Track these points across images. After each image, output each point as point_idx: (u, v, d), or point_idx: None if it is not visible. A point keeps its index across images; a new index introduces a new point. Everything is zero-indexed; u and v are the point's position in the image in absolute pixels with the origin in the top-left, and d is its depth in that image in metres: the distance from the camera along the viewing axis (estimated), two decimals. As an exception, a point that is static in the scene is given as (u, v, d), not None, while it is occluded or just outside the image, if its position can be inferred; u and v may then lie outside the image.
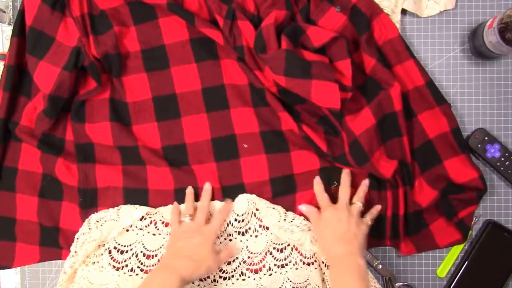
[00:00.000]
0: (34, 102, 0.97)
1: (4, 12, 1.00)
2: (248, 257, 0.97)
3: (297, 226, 0.95)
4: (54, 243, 0.99)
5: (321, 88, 0.88)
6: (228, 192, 0.97)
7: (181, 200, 0.97)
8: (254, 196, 0.97)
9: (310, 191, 0.97)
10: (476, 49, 0.97)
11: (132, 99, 0.98)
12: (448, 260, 1.00)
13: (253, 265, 0.97)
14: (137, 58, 0.97)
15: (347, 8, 0.94)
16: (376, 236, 0.98)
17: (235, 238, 0.97)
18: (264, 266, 0.97)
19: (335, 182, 0.97)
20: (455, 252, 0.99)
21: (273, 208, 0.96)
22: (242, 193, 0.97)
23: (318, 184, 0.96)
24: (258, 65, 0.93)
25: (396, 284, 1.00)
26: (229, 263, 0.97)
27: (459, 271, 0.98)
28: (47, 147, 0.97)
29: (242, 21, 0.92)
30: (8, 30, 1.01)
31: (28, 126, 0.98)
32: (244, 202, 0.97)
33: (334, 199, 0.96)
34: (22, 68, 0.98)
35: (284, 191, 0.97)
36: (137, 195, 0.98)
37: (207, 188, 0.97)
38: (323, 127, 0.96)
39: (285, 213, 0.96)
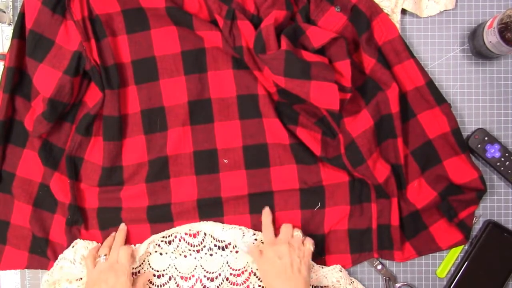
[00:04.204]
0: (34, 104, 0.97)
1: (4, 12, 1.00)
2: (231, 274, 0.97)
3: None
4: (42, 252, 0.99)
5: (320, 89, 0.88)
6: (203, 205, 0.97)
7: (154, 218, 0.97)
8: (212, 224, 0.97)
9: (289, 212, 0.97)
10: (476, 49, 0.97)
11: (123, 112, 0.97)
12: (448, 260, 1.00)
13: (236, 285, 0.97)
14: (128, 69, 0.97)
15: (347, 8, 0.94)
16: (358, 251, 0.98)
17: (216, 253, 0.97)
18: (248, 286, 0.97)
19: (319, 203, 0.97)
20: (455, 252, 0.99)
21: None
22: (219, 206, 0.97)
23: (266, 215, 0.95)
24: (257, 66, 0.93)
25: (396, 284, 1.00)
26: (212, 280, 0.97)
27: (459, 271, 0.98)
28: (46, 157, 0.96)
29: (242, 21, 0.92)
30: (8, 30, 1.01)
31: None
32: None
33: (315, 222, 0.97)
34: (22, 70, 0.98)
35: (262, 208, 0.97)
36: (111, 215, 0.98)
37: (121, 228, 0.97)
38: (322, 128, 0.96)
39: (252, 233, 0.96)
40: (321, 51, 0.93)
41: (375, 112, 0.93)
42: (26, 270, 1.02)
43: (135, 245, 0.98)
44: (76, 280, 0.95)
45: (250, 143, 0.97)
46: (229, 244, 0.96)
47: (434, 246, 0.97)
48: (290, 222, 0.97)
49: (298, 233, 0.93)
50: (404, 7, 0.97)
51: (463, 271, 0.97)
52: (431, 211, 0.97)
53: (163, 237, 0.97)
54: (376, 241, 0.97)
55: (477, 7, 0.99)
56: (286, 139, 0.95)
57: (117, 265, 0.92)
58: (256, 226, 0.97)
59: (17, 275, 1.03)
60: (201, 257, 0.97)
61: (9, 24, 1.01)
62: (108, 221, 0.98)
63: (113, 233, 0.98)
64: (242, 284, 0.97)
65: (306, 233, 0.97)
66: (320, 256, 0.98)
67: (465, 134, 0.99)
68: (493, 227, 0.97)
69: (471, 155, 0.97)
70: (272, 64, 0.89)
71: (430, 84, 0.95)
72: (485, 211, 1.00)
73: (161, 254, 0.98)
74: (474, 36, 0.96)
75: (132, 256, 0.94)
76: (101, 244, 0.97)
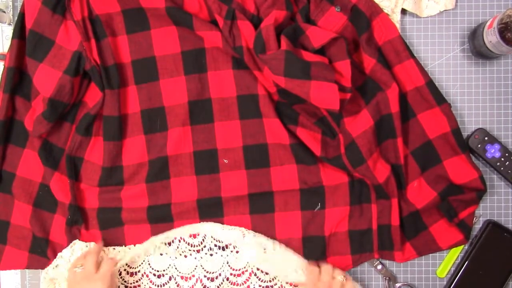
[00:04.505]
0: (34, 104, 0.97)
1: (4, 12, 1.00)
2: (231, 274, 0.97)
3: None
4: (42, 252, 0.99)
5: (320, 89, 0.88)
6: (203, 205, 0.97)
7: (154, 218, 0.97)
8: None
9: (289, 213, 0.97)
10: (476, 49, 0.97)
11: (123, 112, 0.97)
12: (448, 260, 1.00)
13: (237, 285, 0.97)
14: (128, 69, 0.97)
15: (347, 8, 0.94)
16: (359, 252, 0.97)
17: (216, 253, 0.97)
18: (248, 287, 0.97)
19: (319, 204, 0.97)
20: (455, 252, 0.99)
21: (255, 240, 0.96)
22: (219, 206, 0.97)
23: (327, 268, 0.94)
24: (257, 66, 0.93)
25: (397, 284, 1.00)
26: (212, 280, 0.97)
27: (459, 271, 0.98)
28: (46, 157, 0.96)
29: (242, 21, 0.92)
30: (8, 30, 1.01)
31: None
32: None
33: (316, 223, 0.97)
34: (22, 70, 0.98)
35: (262, 208, 0.97)
36: (111, 215, 0.98)
37: (95, 244, 0.96)
38: (322, 128, 0.96)
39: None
40: (321, 51, 0.93)
41: (375, 112, 0.93)
42: (26, 270, 1.02)
43: (134, 245, 0.98)
44: None
45: (250, 143, 0.97)
46: (230, 244, 0.96)
47: (434, 246, 0.97)
48: (290, 223, 0.97)
49: (340, 277, 0.92)
50: (404, 7, 0.97)
51: (463, 271, 0.97)
52: (431, 211, 0.97)
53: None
54: (376, 241, 0.97)
55: (477, 7, 0.99)
56: (286, 139, 0.95)
57: (97, 276, 0.90)
58: (256, 227, 0.97)
59: (17, 275, 1.03)
60: (201, 257, 0.97)
61: (9, 24, 1.01)
62: (108, 221, 0.98)
63: (90, 244, 0.96)
64: (243, 284, 0.97)
65: (306, 234, 0.97)
66: (321, 258, 0.98)
67: (465, 134, 0.99)
68: (493, 227, 0.97)
69: (471, 155, 0.97)
70: (272, 64, 0.89)
71: (430, 84, 0.95)
72: (485, 211, 1.00)
73: (161, 254, 0.98)
74: (474, 36, 0.96)
75: (111, 268, 0.93)
76: (96, 248, 0.96)
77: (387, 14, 0.96)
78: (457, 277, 0.98)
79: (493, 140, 0.97)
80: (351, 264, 0.98)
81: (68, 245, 0.98)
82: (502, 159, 0.97)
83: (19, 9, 0.97)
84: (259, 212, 0.97)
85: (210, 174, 0.97)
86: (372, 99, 0.94)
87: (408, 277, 1.01)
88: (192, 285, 0.98)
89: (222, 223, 0.97)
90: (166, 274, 0.98)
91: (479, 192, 0.94)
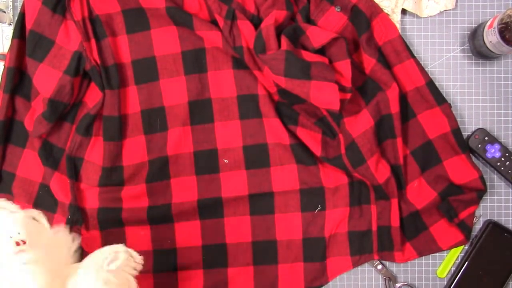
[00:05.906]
0: (34, 104, 0.97)
1: (4, 12, 1.00)
2: None
3: None
4: None
5: (320, 89, 0.88)
6: (203, 205, 0.97)
7: (154, 219, 0.97)
8: None
9: (288, 214, 0.97)
10: (476, 49, 0.97)
11: (123, 112, 0.97)
12: (448, 260, 1.00)
13: None
14: (128, 69, 0.97)
15: (347, 8, 0.94)
16: (359, 253, 0.97)
17: None
18: None
19: (319, 205, 0.97)
20: (455, 252, 0.99)
21: None
22: (219, 206, 0.96)
23: None
24: (257, 66, 0.93)
25: (397, 284, 1.00)
26: None
27: (459, 271, 0.98)
28: (46, 157, 0.96)
29: (242, 21, 0.92)
30: (8, 30, 1.01)
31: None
32: None
33: (316, 225, 0.96)
34: (22, 70, 0.98)
35: (262, 209, 0.97)
36: (111, 215, 0.97)
37: None
38: (322, 128, 0.96)
39: None
40: (321, 51, 0.93)
41: (376, 112, 0.93)
42: (26, 270, 1.02)
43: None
44: None
45: (250, 143, 0.97)
46: None
47: (434, 246, 0.97)
48: (290, 224, 0.97)
49: None
50: (404, 7, 0.97)
51: (463, 271, 0.97)
52: (431, 211, 0.97)
53: None
54: (376, 243, 0.97)
55: (477, 7, 0.99)
56: (286, 139, 0.95)
57: None
58: (256, 228, 0.97)
59: (17, 275, 1.03)
60: None
61: (9, 24, 1.01)
62: (108, 221, 0.98)
63: None
64: None
65: (307, 236, 0.97)
66: (322, 260, 0.98)
67: (465, 134, 0.99)
68: (493, 227, 0.97)
69: (471, 155, 0.97)
70: (272, 64, 0.89)
71: (430, 84, 0.95)
72: (485, 211, 1.00)
73: None
74: (474, 36, 0.96)
75: None
76: None
77: (387, 14, 0.96)
78: (457, 277, 0.98)
79: (493, 140, 0.97)
80: (351, 265, 0.98)
81: None
82: (502, 159, 0.97)
83: (19, 9, 0.97)
84: (259, 213, 0.97)
85: (210, 174, 0.97)
86: (372, 99, 0.94)
87: (408, 277, 1.01)
88: None
89: (223, 224, 0.97)
90: None
91: (479, 192, 0.94)
